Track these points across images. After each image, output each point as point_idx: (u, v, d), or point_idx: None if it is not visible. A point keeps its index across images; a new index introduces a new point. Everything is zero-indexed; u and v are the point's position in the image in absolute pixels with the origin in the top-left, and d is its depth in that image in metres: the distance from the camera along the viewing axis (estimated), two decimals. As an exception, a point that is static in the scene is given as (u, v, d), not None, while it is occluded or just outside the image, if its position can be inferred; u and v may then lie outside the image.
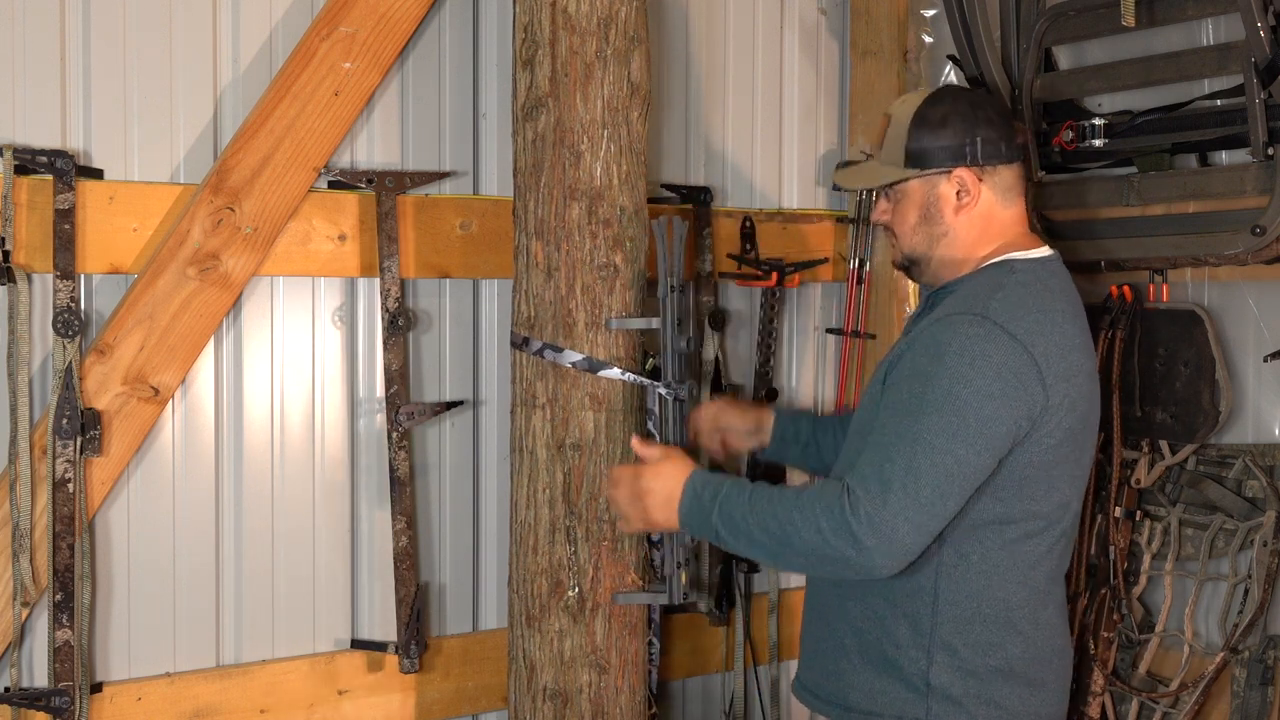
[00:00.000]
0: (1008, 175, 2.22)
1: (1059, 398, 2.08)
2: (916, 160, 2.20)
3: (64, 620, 2.39)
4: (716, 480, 2.21)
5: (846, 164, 2.94)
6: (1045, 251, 2.24)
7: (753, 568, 3.16)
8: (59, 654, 2.39)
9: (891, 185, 2.25)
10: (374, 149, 2.73)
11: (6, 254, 2.35)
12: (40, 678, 2.44)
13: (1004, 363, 2.03)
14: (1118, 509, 2.72)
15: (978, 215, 2.20)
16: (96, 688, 2.47)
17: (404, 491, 2.72)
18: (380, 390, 2.75)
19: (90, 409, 2.41)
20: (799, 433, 2.65)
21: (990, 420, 2.02)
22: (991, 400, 2.02)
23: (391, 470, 2.72)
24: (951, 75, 3.19)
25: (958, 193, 2.20)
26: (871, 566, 2.03)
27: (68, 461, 2.38)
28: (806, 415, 2.73)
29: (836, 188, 2.98)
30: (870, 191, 3.05)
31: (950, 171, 2.19)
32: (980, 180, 2.20)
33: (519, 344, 2.54)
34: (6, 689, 2.39)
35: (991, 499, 2.10)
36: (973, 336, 2.04)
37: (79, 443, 2.39)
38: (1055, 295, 2.17)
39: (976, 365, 2.02)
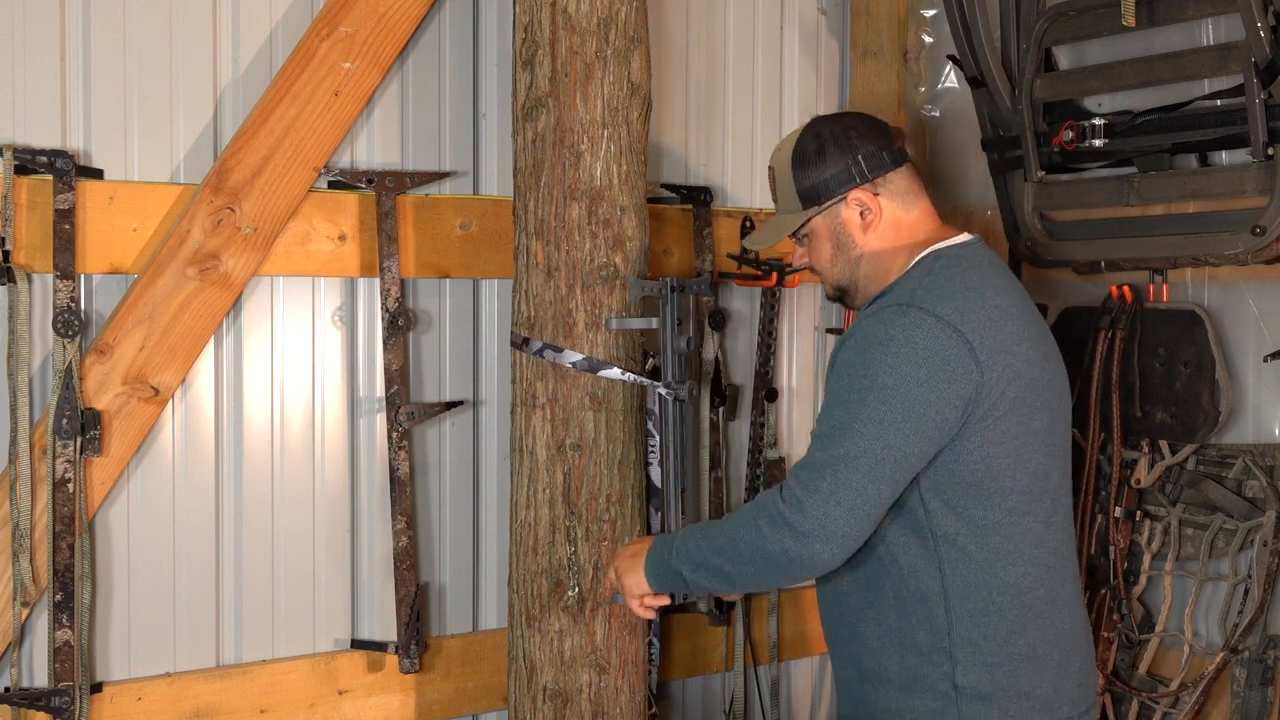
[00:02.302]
0: (899, 180, 2.24)
1: (997, 370, 2.08)
2: (810, 198, 2.24)
3: (64, 620, 2.39)
4: (675, 533, 2.30)
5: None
6: (966, 237, 2.25)
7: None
8: (59, 654, 2.39)
9: (798, 230, 2.28)
10: (374, 149, 2.74)
11: (6, 254, 2.35)
12: (40, 678, 2.44)
13: (930, 347, 2.05)
14: (1118, 509, 2.72)
15: (886, 227, 2.23)
16: (96, 688, 2.47)
17: (404, 491, 2.72)
18: (380, 390, 2.75)
19: (90, 409, 2.41)
20: None
21: (918, 404, 2.04)
22: (919, 385, 2.04)
23: (391, 470, 2.72)
24: (951, 75, 3.20)
25: (860, 213, 2.23)
26: (812, 555, 2.06)
27: (68, 461, 2.38)
28: None
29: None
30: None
31: (845, 196, 2.22)
32: (876, 194, 2.22)
33: (519, 344, 2.54)
34: (6, 689, 2.39)
35: (964, 483, 2.11)
36: (898, 325, 2.07)
37: (79, 443, 2.39)
38: (983, 271, 2.19)
39: (902, 353, 2.05)
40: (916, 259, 2.20)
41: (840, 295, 2.33)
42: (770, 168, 2.33)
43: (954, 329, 2.07)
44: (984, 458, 2.10)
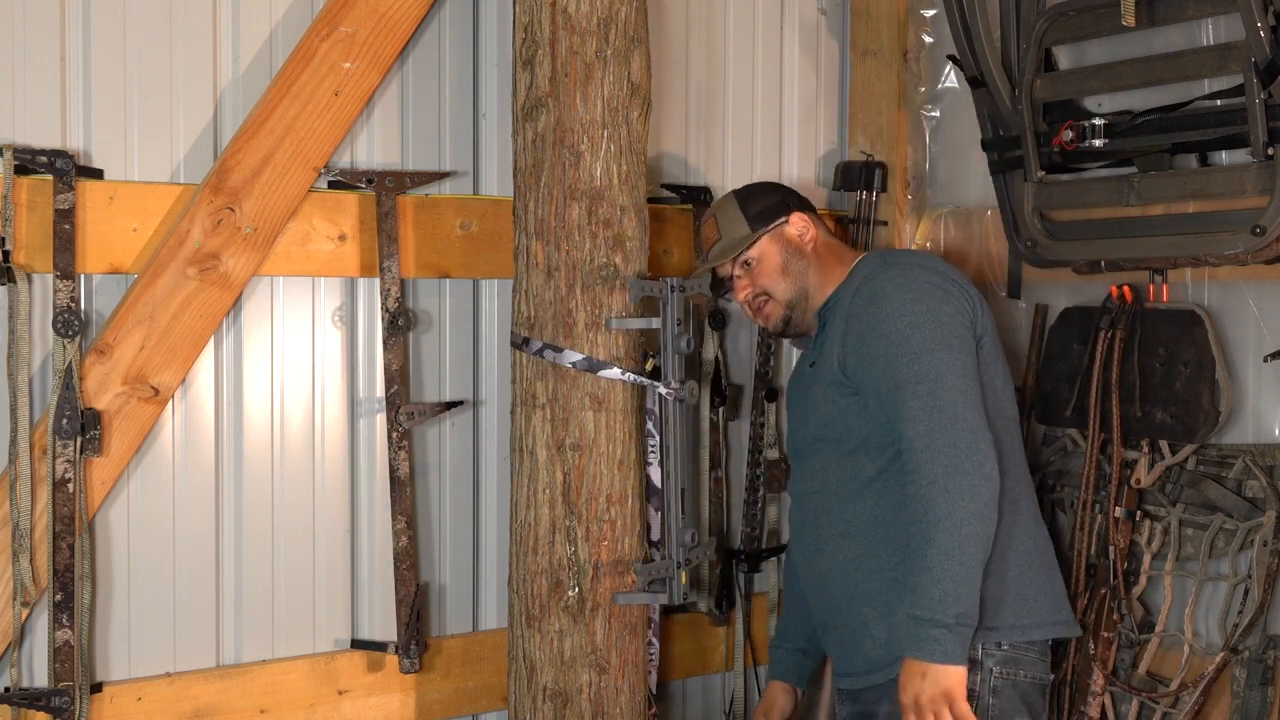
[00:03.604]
0: (813, 215, 2.64)
1: (977, 307, 2.44)
2: (758, 222, 2.57)
3: (64, 620, 2.39)
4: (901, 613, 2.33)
5: (863, 164, 3.28)
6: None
7: (753, 567, 3.16)
8: (59, 654, 2.39)
9: (746, 250, 2.56)
10: (374, 149, 2.74)
11: (6, 254, 2.35)
12: (40, 678, 2.44)
13: (931, 282, 2.41)
14: (1118, 509, 2.71)
15: (822, 243, 2.60)
16: (96, 688, 2.47)
17: (404, 491, 2.72)
18: (380, 390, 2.75)
19: (90, 409, 2.41)
20: (802, 666, 2.77)
21: (955, 317, 2.37)
22: (944, 303, 2.38)
23: (391, 470, 2.72)
24: (951, 75, 3.19)
25: (800, 233, 2.58)
26: (993, 472, 2.27)
27: (68, 461, 2.38)
28: (801, 642, 2.77)
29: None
30: (869, 193, 3.26)
31: (787, 219, 2.58)
32: (807, 220, 2.59)
33: (519, 344, 2.54)
34: (6, 689, 2.39)
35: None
36: (896, 275, 2.43)
37: (79, 443, 2.39)
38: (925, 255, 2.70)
39: (914, 289, 2.39)
40: (856, 261, 2.56)
41: (788, 318, 2.58)
42: (710, 215, 2.65)
43: (939, 273, 2.46)
44: (983, 373, 2.39)
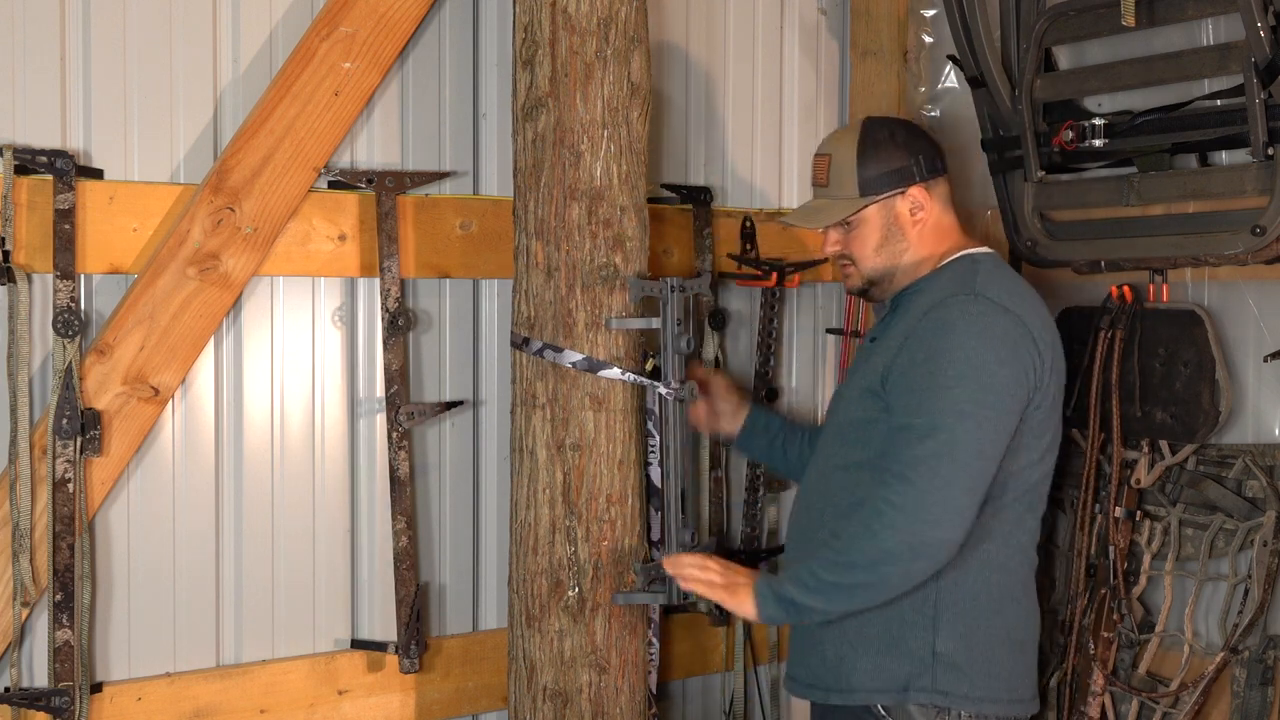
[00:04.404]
0: (944, 186, 2.44)
1: (1049, 364, 2.28)
2: (870, 188, 2.37)
3: (64, 620, 2.39)
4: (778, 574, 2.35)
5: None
6: (988, 249, 2.45)
7: (753, 567, 3.15)
8: (59, 654, 2.39)
9: (850, 216, 2.40)
10: (374, 149, 2.74)
11: (6, 254, 2.35)
12: (40, 678, 2.44)
13: (1007, 333, 2.22)
14: (1118, 509, 2.71)
15: (931, 225, 2.40)
16: (96, 688, 2.47)
17: (404, 491, 2.72)
18: (380, 390, 2.75)
19: (90, 409, 2.41)
20: (769, 425, 2.81)
21: (1009, 384, 2.21)
22: (1005, 366, 2.20)
23: (391, 470, 2.72)
24: (951, 75, 3.19)
25: (912, 210, 2.38)
26: (939, 541, 2.16)
27: (68, 461, 2.38)
28: (779, 415, 2.89)
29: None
30: None
31: (905, 191, 2.37)
32: (928, 194, 2.39)
33: (519, 344, 2.54)
34: (6, 689, 2.39)
35: None
36: (974, 313, 2.23)
37: (79, 443, 2.39)
38: (1019, 278, 2.42)
39: (984, 336, 2.21)
40: (950, 259, 2.38)
41: (867, 288, 2.45)
42: (825, 154, 2.43)
43: (1020, 320, 2.25)
44: (1014, 449, 2.25)
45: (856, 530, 2.20)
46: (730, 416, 2.81)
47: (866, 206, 2.38)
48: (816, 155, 2.49)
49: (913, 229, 2.39)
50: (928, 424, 2.17)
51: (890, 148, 2.38)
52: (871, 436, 2.33)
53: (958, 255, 2.40)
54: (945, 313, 2.24)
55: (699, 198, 3.08)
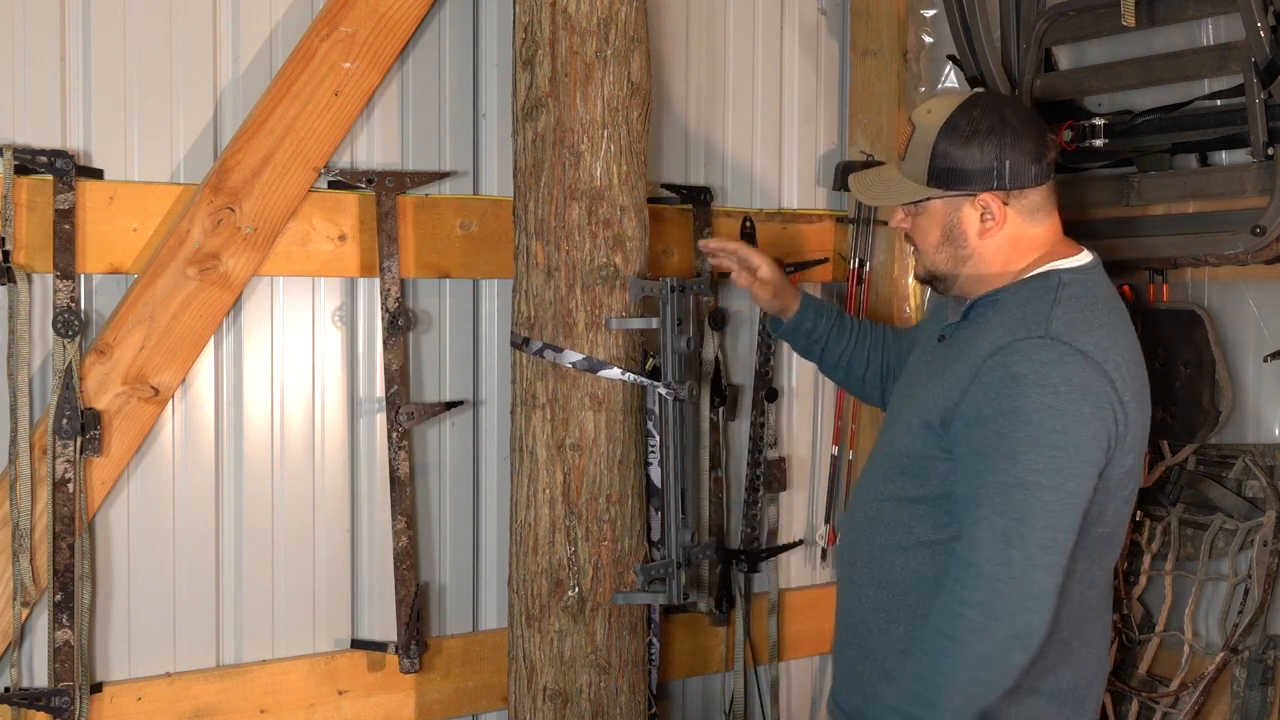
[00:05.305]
0: (1035, 197, 2.12)
1: (1133, 414, 2.03)
2: (940, 179, 2.10)
3: (64, 620, 2.39)
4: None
5: (863, 165, 2.83)
6: (1086, 258, 2.15)
7: (753, 567, 3.16)
8: (59, 654, 2.39)
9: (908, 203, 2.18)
10: (374, 149, 2.73)
11: (6, 254, 2.35)
12: (40, 678, 2.44)
13: (1085, 385, 1.97)
14: (1118, 509, 2.71)
15: (1004, 237, 2.11)
16: (96, 688, 2.47)
17: (404, 491, 2.72)
18: (380, 390, 2.75)
19: (90, 409, 2.41)
20: (815, 327, 2.60)
21: (1087, 446, 1.96)
22: (1084, 425, 1.96)
23: (391, 470, 2.72)
24: (951, 75, 3.20)
25: (982, 216, 2.11)
26: (1028, 629, 1.95)
27: (68, 461, 2.38)
28: (829, 311, 2.63)
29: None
30: None
31: (975, 195, 2.09)
32: (1006, 204, 2.10)
33: (519, 344, 2.54)
34: (6, 689, 2.39)
35: None
36: (1048, 362, 1.97)
37: (79, 443, 2.39)
38: (1109, 306, 2.10)
39: (1060, 392, 1.95)
40: (1032, 273, 2.11)
41: (931, 280, 2.22)
42: (912, 122, 2.18)
43: (1099, 367, 1.98)
44: (1101, 491, 2.03)
45: (935, 644, 1.99)
46: (776, 297, 2.57)
47: (930, 199, 2.12)
48: (906, 119, 2.23)
49: (979, 238, 2.11)
50: (996, 498, 1.95)
51: (977, 142, 2.07)
52: (930, 474, 2.12)
53: (1043, 270, 2.10)
54: (1013, 362, 1.98)
55: (699, 198, 3.08)
